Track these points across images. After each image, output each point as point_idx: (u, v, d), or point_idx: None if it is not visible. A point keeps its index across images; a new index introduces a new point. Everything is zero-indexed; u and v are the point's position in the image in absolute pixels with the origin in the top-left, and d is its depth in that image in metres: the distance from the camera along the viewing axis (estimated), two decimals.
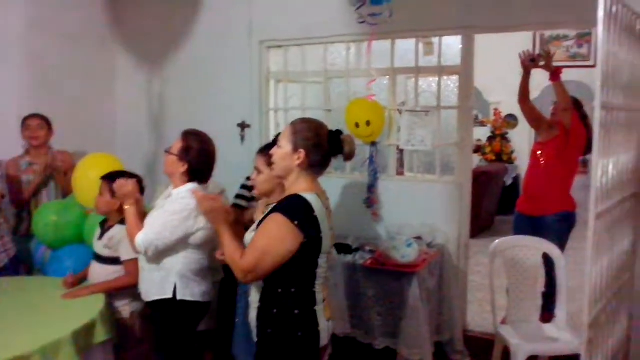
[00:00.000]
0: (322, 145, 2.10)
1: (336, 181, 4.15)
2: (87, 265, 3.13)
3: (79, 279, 3.07)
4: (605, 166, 2.31)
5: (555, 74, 3.73)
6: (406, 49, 4.03)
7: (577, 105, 3.87)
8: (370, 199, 4.03)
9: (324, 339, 2.13)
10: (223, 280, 3.36)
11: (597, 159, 2.21)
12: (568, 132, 3.78)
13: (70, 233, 3.49)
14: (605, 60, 2.17)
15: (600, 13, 2.09)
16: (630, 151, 2.71)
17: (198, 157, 2.65)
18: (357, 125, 3.84)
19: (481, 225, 6.90)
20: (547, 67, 3.77)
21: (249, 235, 2.19)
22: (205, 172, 2.71)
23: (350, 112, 3.91)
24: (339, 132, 2.16)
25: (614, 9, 2.23)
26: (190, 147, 2.64)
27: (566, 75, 3.86)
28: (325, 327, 2.13)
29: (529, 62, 3.88)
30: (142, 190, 2.94)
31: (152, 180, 4.42)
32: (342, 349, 3.44)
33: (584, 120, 3.86)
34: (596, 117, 2.17)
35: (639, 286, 2.90)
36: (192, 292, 2.64)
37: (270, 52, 4.49)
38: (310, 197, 2.05)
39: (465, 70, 3.82)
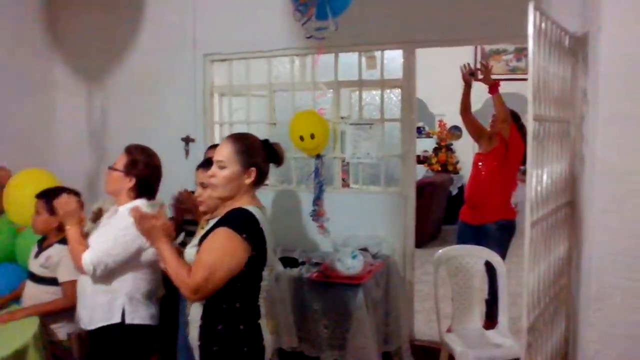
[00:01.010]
0: (263, 158, 2.13)
1: (282, 194, 4.15)
2: (18, 284, 2.99)
3: (10, 299, 2.94)
4: (539, 176, 2.40)
5: (493, 87, 3.85)
6: (349, 62, 4.06)
7: (514, 117, 3.99)
8: (317, 212, 4.03)
9: (269, 353, 2.12)
10: (164, 297, 3.27)
11: (532, 169, 2.29)
12: (507, 143, 3.90)
13: (1, 252, 3.33)
14: (536, 73, 2.25)
15: (530, 29, 2.17)
16: (562, 161, 2.81)
17: (145, 171, 2.55)
18: (301, 138, 3.84)
19: (428, 234, 7.02)
20: (485, 80, 3.88)
21: (189, 251, 2.15)
22: (153, 186, 2.62)
23: (294, 126, 3.91)
24: (268, 141, 2.19)
25: (543, 25, 2.32)
26: (136, 160, 2.54)
27: (506, 88, 3.99)
28: (269, 341, 2.12)
29: (469, 76, 3.99)
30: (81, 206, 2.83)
31: (92, 198, 4.26)
32: None
33: (522, 131, 3.97)
34: (529, 128, 2.25)
35: (575, 290, 3.00)
36: (141, 315, 2.52)
37: (214, 66, 4.45)
38: (255, 210, 2.07)
39: (407, 83, 3.88)
